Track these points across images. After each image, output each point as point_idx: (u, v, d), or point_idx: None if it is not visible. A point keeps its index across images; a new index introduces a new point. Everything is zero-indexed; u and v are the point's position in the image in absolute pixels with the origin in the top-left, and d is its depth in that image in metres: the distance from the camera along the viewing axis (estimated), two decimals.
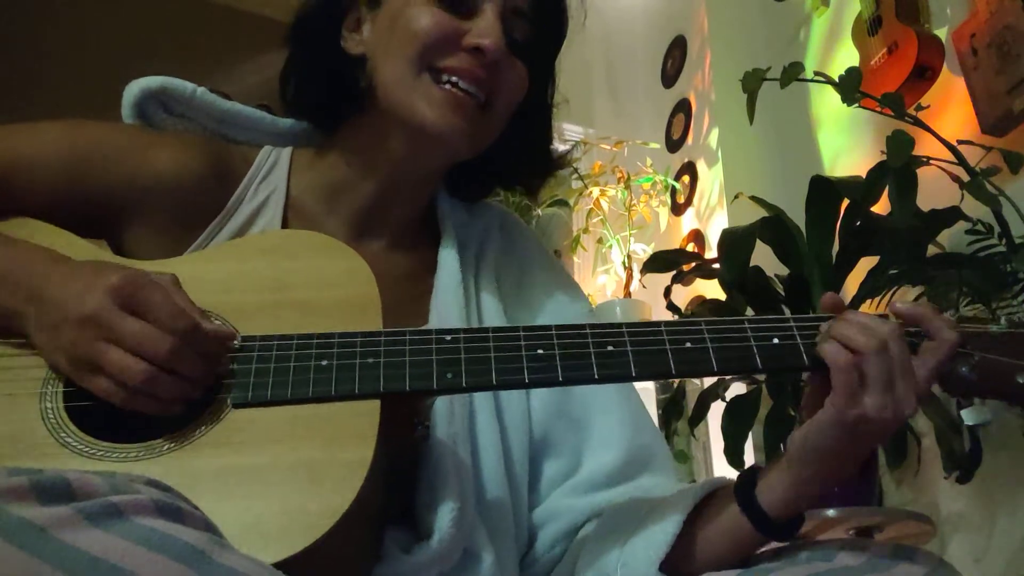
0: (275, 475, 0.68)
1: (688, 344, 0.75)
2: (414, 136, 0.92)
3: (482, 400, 0.89)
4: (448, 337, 0.76)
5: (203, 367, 0.72)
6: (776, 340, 0.76)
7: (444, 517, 0.78)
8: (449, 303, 0.93)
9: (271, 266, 0.82)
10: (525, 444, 0.92)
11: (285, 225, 0.94)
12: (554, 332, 0.76)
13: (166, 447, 0.70)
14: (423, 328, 0.77)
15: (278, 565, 0.60)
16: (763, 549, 0.81)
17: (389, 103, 0.91)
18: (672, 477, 0.95)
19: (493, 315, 0.97)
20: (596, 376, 0.74)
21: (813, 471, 0.74)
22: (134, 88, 0.98)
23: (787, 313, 1.86)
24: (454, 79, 0.89)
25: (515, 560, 0.88)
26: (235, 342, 0.75)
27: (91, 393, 0.72)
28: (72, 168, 0.89)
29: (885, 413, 0.70)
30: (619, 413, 0.95)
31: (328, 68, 0.96)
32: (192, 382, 0.72)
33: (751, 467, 0.80)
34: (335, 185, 0.97)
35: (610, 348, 0.75)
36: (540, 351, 0.75)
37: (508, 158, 1.01)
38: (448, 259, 0.97)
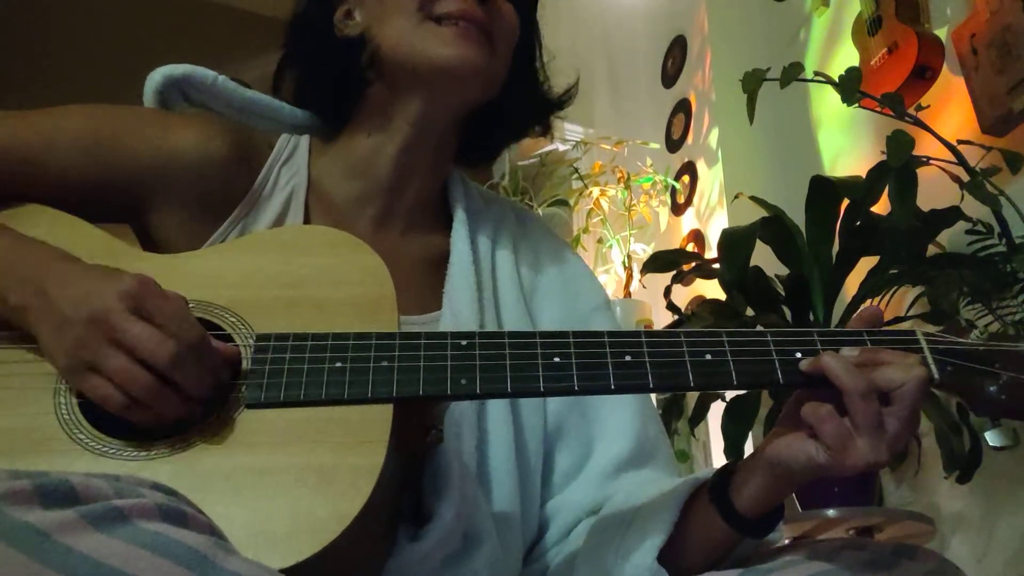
0: (286, 478, 0.67)
1: (708, 356, 0.73)
2: (431, 81, 0.94)
3: None
4: (463, 342, 0.74)
5: (204, 382, 0.71)
6: (799, 355, 0.73)
7: (443, 500, 0.78)
8: (461, 288, 0.94)
9: (287, 262, 0.82)
10: (540, 434, 0.93)
11: (307, 210, 0.95)
12: (571, 340, 0.74)
13: (178, 446, 0.70)
14: (438, 331, 0.77)
15: (287, 570, 0.60)
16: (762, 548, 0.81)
17: (399, 60, 0.93)
18: (674, 475, 0.96)
19: (512, 302, 0.97)
20: (612, 387, 0.73)
21: (785, 481, 0.74)
22: (157, 76, 0.99)
23: (787, 314, 1.86)
24: (454, 21, 0.92)
25: (520, 548, 0.89)
26: (243, 363, 0.74)
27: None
28: (96, 148, 0.89)
29: (879, 455, 0.68)
30: (630, 405, 0.96)
31: (329, 61, 0.99)
32: (192, 399, 0.71)
33: (727, 464, 0.80)
34: (355, 163, 0.98)
35: (628, 358, 0.73)
36: (556, 359, 0.73)
37: (515, 104, 1.03)
38: (460, 244, 0.98)
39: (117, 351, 0.69)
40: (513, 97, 1.01)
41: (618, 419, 0.95)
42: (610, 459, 0.93)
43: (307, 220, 0.95)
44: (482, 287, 0.95)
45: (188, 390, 0.70)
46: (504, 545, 0.85)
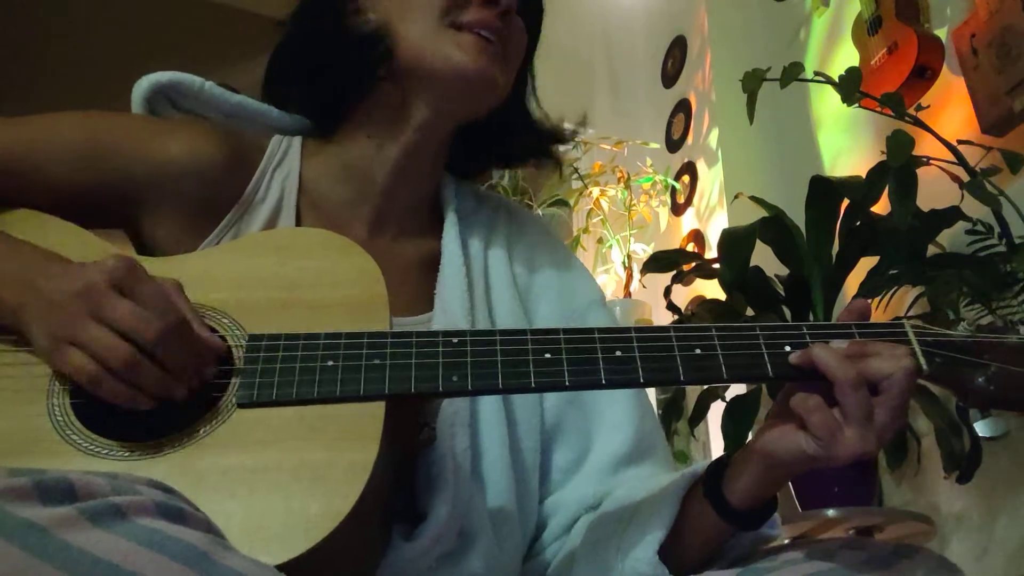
0: (279, 476, 0.68)
1: (698, 351, 0.74)
2: (447, 86, 0.94)
3: None
4: (455, 339, 0.75)
5: (185, 363, 0.72)
6: (788, 348, 0.74)
7: (437, 498, 0.79)
8: (452, 289, 0.94)
9: (281, 264, 0.82)
10: (536, 431, 0.93)
11: (299, 213, 0.95)
12: (562, 336, 0.75)
13: (171, 446, 0.70)
14: (430, 330, 0.77)
15: (281, 567, 0.60)
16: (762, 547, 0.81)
17: (417, 61, 0.94)
18: (671, 470, 0.96)
19: (506, 301, 0.98)
20: (603, 382, 0.73)
21: (777, 473, 0.75)
22: (144, 83, 0.99)
23: (787, 314, 1.86)
24: (475, 30, 0.94)
25: (517, 546, 0.89)
26: (236, 363, 0.75)
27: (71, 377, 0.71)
28: (90, 156, 0.90)
29: (868, 445, 0.69)
30: (627, 400, 0.97)
31: (340, 55, 0.97)
32: (174, 377, 0.71)
33: (720, 458, 0.80)
34: (351, 165, 0.98)
35: (618, 353, 0.74)
36: (547, 355, 0.74)
37: (502, 127, 1.04)
38: (451, 246, 0.98)
39: (98, 324, 0.70)
40: (502, 120, 1.02)
41: (616, 414, 0.95)
42: (609, 454, 0.93)
43: (299, 224, 0.95)
44: (473, 287, 0.96)
45: (168, 369, 0.71)
46: (500, 543, 0.85)
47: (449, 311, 0.92)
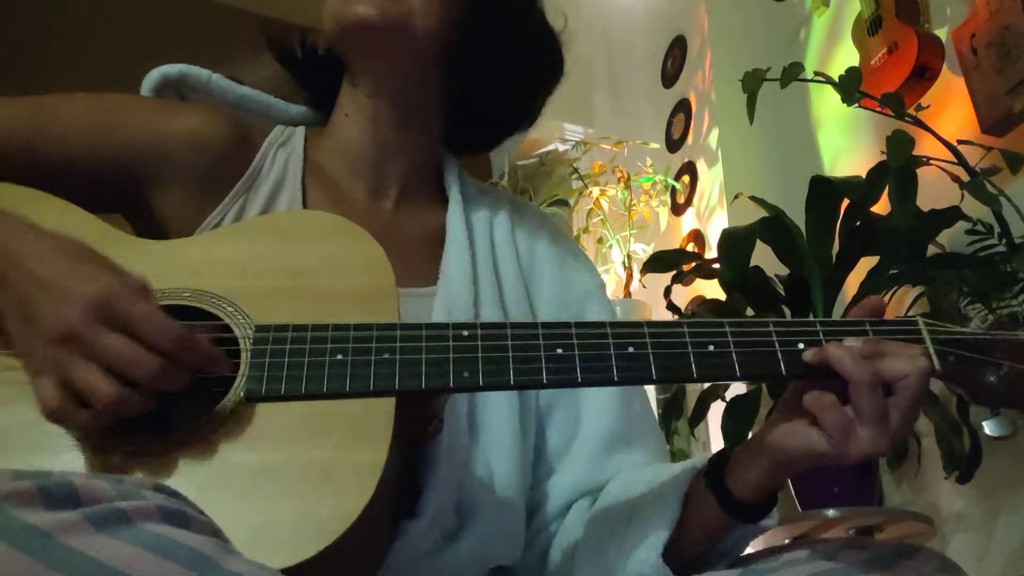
0: (287, 475, 0.67)
1: (711, 347, 0.73)
2: (344, 44, 0.98)
3: None
4: (465, 332, 0.74)
5: (188, 379, 0.69)
6: (802, 345, 0.73)
7: (434, 470, 0.79)
8: (457, 263, 0.96)
9: (286, 251, 0.81)
10: (532, 412, 0.94)
11: (304, 188, 0.97)
12: (574, 331, 0.74)
13: (177, 442, 0.69)
14: (439, 323, 0.76)
15: (289, 570, 0.60)
16: (762, 547, 0.81)
17: (325, 37, 1.00)
18: (663, 456, 0.98)
19: (511, 277, 0.99)
20: (616, 379, 0.73)
21: (784, 469, 0.75)
22: (155, 75, 1.02)
23: (787, 314, 1.86)
24: None
25: (515, 531, 0.90)
26: (242, 355, 0.73)
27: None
28: (98, 127, 0.92)
29: (880, 445, 0.69)
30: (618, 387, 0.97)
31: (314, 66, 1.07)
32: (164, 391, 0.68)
33: (721, 451, 0.80)
34: (341, 143, 1.02)
35: (631, 349, 0.73)
36: (559, 351, 0.73)
37: (506, 84, 1.04)
38: (455, 221, 1.00)
39: (88, 364, 0.66)
40: (499, 76, 1.02)
41: (600, 398, 0.96)
42: (596, 438, 0.94)
43: (304, 193, 0.97)
44: (477, 262, 0.97)
45: (168, 390, 0.68)
46: (499, 524, 0.86)
47: (453, 284, 0.94)
